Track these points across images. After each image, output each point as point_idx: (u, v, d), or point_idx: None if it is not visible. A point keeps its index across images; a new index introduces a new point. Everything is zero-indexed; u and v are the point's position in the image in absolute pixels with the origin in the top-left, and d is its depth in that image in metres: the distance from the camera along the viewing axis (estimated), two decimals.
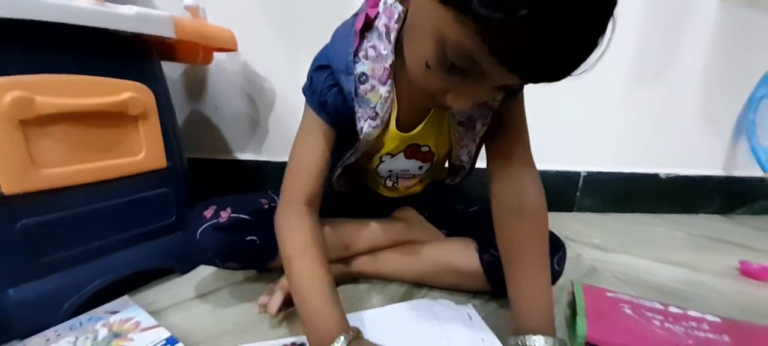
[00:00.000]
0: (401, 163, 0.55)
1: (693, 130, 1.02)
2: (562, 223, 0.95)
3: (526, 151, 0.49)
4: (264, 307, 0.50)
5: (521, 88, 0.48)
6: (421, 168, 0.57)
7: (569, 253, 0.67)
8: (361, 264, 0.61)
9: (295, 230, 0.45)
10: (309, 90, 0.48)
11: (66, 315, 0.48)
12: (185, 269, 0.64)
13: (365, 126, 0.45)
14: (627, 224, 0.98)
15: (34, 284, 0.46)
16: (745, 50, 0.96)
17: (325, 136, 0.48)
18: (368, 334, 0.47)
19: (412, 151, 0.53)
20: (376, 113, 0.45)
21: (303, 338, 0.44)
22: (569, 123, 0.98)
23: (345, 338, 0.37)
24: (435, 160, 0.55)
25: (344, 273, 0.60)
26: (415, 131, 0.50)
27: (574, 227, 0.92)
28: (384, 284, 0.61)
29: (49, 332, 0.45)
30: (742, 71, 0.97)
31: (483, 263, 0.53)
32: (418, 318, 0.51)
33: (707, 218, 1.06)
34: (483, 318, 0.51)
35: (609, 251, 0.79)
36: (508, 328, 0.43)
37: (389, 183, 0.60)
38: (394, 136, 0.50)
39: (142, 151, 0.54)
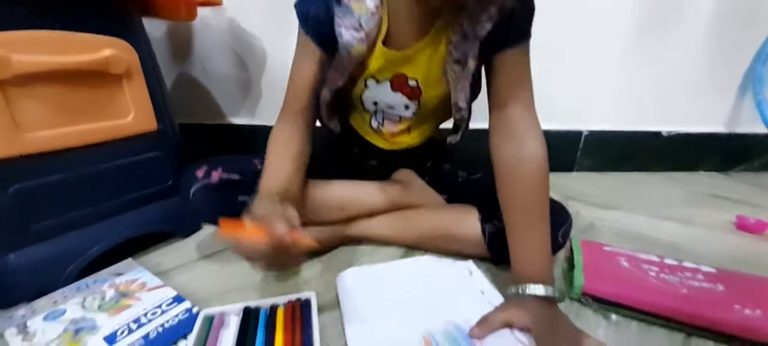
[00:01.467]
0: (386, 94, 0.53)
1: (696, 87, 0.99)
2: (562, 183, 0.95)
3: (528, 102, 0.47)
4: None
5: (523, 39, 0.45)
6: (407, 107, 0.54)
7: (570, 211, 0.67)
8: (358, 227, 0.60)
9: (281, 133, 0.50)
10: (297, 3, 0.48)
11: (70, 279, 0.48)
12: (186, 233, 0.64)
13: (345, 34, 0.45)
14: (626, 182, 0.98)
15: (34, 248, 0.46)
16: (753, 3, 0.90)
17: (312, 54, 0.49)
18: (369, 287, 0.49)
19: (399, 82, 0.51)
20: (360, 25, 0.44)
21: (309, 294, 0.45)
22: (571, 81, 0.95)
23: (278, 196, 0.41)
24: (422, 100, 0.53)
25: (340, 236, 0.60)
26: (404, 53, 0.48)
27: (574, 187, 0.92)
28: (381, 247, 0.62)
29: (56, 295, 0.46)
30: (748, 26, 0.92)
31: (484, 233, 0.53)
32: (419, 273, 0.52)
33: (707, 176, 1.06)
34: (483, 272, 0.52)
35: (608, 209, 0.80)
36: (508, 281, 0.44)
37: (374, 123, 0.58)
38: (380, 54, 0.48)
39: (131, 114, 0.52)
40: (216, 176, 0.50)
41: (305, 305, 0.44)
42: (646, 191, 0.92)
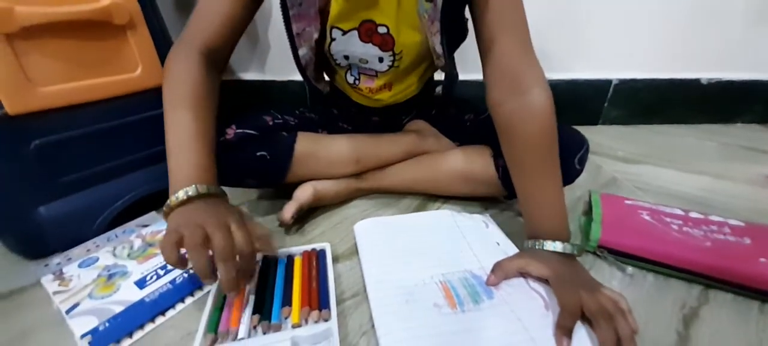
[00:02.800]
0: (356, 46, 0.49)
1: (742, 28, 0.88)
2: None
3: (524, 43, 0.42)
4: (292, 218, 0.52)
5: None
6: (381, 60, 0.50)
7: (590, 166, 0.64)
8: (373, 178, 0.60)
9: (180, 74, 0.42)
10: None
11: (99, 230, 0.51)
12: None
13: None
14: (655, 135, 0.93)
15: (62, 202, 0.48)
16: None
17: None
18: (386, 236, 0.49)
19: (367, 30, 0.47)
20: None
21: (324, 245, 0.47)
22: (602, 25, 0.87)
23: (196, 187, 0.35)
24: (396, 50, 0.49)
25: (356, 189, 0.60)
26: None
27: (598, 141, 0.87)
28: (397, 198, 0.62)
29: (89, 244, 0.49)
30: None
31: (498, 169, 0.52)
32: (435, 224, 0.52)
33: (744, 128, 0.99)
34: (498, 225, 0.52)
35: (632, 163, 0.76)
36: (523, 234, 0.43)
37: (350, 78, 0.55)
38: None
39: (139, 67, 0.52)
40: (231, 132, 0.50)
41: (321, 254, 0.45)
42: (675, 144, 0.87)
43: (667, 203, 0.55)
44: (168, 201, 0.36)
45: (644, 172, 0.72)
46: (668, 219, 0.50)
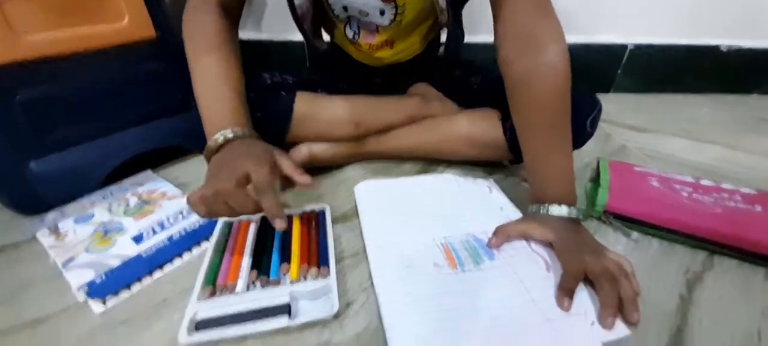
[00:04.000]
0: None
1: None
2: None
3: None
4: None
5: None
6: (382, 13, 0.47)
7: (599, 133, 0.62)
8: (374, 142, 0.58)
9: (200, 24, 0.42)
10: None
11: (93, 188, 0.50)
12: (202, 148, 0.65)
13: None
14: (668, 104, 0.89)
15: (53, 158, 0.47)
16: None
17: None
18: (388, 198, 0.48)
19: None
20: None
21: (323, 206, 0.46)
22: None
23: (232, 131, 0.37)
24: (398, 1, 0.46)
25: (354, 153, 0.58)
26: None
27: (609, 109, 0.82)
28: (397, 163, 0.60)
29: (84, 201, 0.48)
30: None
31: (506, 131, 0.50)
32: (438, 188, 0.51)
33: (760, 99, 0.95)
34: (502, 190, 0.50)
35: (643, 132, 0.74)
36: (527, 200, 0.42)
37: (349, 33, 0.52)
38: None
39: (125, 17, 0.49)
40: None
41: (320, 215, 0.45)
42: (688, 114, 0.84)
43: (677, 172, 0.53)
44: (206, 147, 0.38)
45: (655, 141, 0.70)
46: (678, 186, 0.48)
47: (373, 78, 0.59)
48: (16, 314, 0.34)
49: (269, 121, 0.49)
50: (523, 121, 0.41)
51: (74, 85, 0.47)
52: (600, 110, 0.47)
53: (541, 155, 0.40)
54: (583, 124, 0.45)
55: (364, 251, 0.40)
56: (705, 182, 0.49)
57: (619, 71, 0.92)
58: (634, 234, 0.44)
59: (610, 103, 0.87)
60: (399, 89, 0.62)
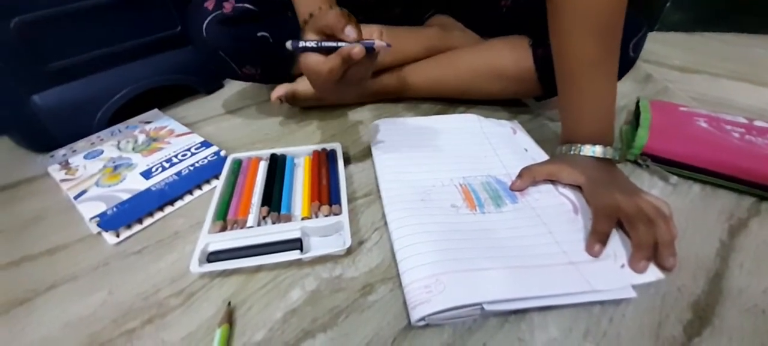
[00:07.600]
0: None
1: None
2: None
3: None
4: (279, 99, 0.49)
5: None
6: None
7: (638, 74, 0.55)
8: (389, 77, 0.53)
9: None
10: None
11: (100, 125, 0.49)
12: (210, 88, 0.62)
13: None
14: (717, 43, 0.79)
15: (56, 90, 0.45)
16: None
17: None
18: (404, 136, 0.45)
19: None
20: None
21: (334, 145, 0.43)
22: None
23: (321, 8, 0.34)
24: None
25: (371, 90, 0.54)
26: None
27: (651, 49, 0.75)
28: (415, 103, 0.56)
29: (93, 137, 0.48)
30: None
31: (536, 60, 0.44)
32: (458, 128, 0.47)
33: None
34: (528, 133, 0.46)
35: (688, 72, 0.66)
36: (555, 143, 0.38)
37: None
38: None
39: None
40: (228, 6, 0.43)
41: (331, 154, 0.42)
42: (739, 54, 0.74)
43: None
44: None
45: (701, 82, 0.63)
46: (729, 127, 0.43)
47: (392, 8, 0.53)
48: (34, 242, 0.34)
49: (275, 45, 0.46)
50: (563, 46, 0.36)
51: (70, 8, 0.44)
52: (646, 33, 0.41)
53: (580, 86, 0.35)
54: (625, 47, 0.39)
55: (377, 190, 0.38)
56: (759, 123, 0.44)
57: (667, 4, 0.80)
58: (673, 178, 0.41)
59: (654, 42, 0.78)
60: (418, 22, 0.56)
